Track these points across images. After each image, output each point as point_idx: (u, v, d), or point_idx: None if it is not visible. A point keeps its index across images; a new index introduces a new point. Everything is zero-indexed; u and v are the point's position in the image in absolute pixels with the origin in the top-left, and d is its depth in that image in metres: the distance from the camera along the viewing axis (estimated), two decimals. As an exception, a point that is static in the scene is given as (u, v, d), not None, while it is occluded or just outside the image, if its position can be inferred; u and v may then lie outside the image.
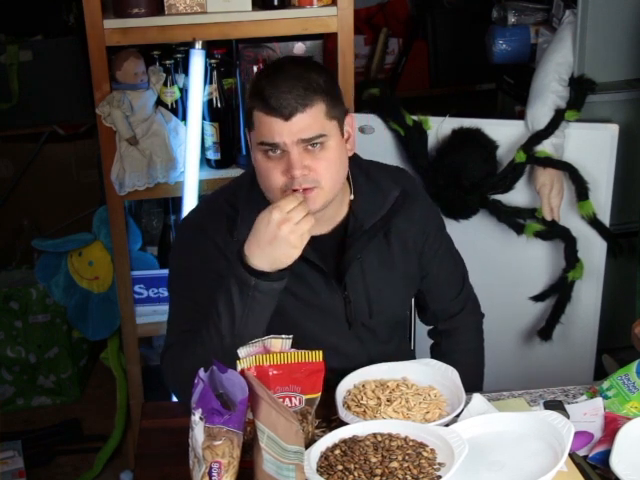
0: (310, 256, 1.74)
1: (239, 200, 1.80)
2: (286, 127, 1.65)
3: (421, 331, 2.16)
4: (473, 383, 1.92)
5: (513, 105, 3.25)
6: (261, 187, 1.75)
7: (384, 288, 1.87)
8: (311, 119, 1.66)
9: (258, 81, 1.71)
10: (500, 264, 2.74)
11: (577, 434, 1.57)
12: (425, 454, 1.49)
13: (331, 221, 1.82)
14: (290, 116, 1.65)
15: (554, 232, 2.62)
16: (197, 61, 2.56)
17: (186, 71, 2.65)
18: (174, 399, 2.13)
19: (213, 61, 2.64)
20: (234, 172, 2.65)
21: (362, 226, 1.81)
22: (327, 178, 1.70)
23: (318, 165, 1.68)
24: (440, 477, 1.44)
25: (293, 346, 1.54)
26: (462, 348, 2.04)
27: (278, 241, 1.59)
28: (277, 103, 1.64)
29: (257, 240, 1.61)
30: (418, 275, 1.94)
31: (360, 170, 1.86)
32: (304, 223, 1.60)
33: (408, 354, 2.05)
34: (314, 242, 1.68)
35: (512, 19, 3.14)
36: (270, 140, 1.67)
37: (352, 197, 1.82)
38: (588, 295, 2.68)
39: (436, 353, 2.05)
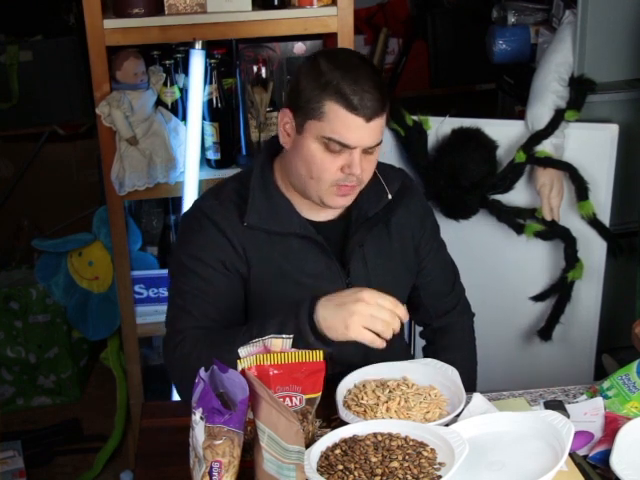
0: (317, 238, 1.79)
1: (247, 189, 1.81)
2: (365, 129, 1.68)
3: (421, 331, 2.17)
4: (466, 380, 1.91)
5: (513, 105, 3.25)
6: (302, 173, 1.75)
7: (385, 277, 1.89)
8: (382, 123, 1.72)
9: (327, 72, 1.68)
10: (500, 264, 2.74)
11: (577, 434, 1.57)
12: (425, 454, 1.49)
13: (337, 209, 1.85)
14: (371, 118, 1.67)
15: (554, 232, 2.62)
16: (197, 61, 2.56)
17: (186, 71, 2.65)
18: (174, 399, 2.13)
19: (213, 61, 2.64)
20: (234, 172, 2.63)
21: (366, 214, 1.85)
22: (368, 177, 1.78)
23: (368, 166, 1.75)
24: (440, 477, 1.44)
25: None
26: (456, 345, 2.06)
27: (343, 310, 1.57)
28: (361, 103, 1.66)
29: (335, 296, 1.61)
30: (415, 268, 1.98)
31: None
32: (378, 321, 1.57)
33: (403, 348, 2.07)
34: (320, 228, 1.69)
35: (512, 19, 3.15)
36: (343, 140, 1.68)
37: (390, 197, 1.87)
38: (588, 295, 2.68)
39: (430, 352, 2.07)
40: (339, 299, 1.60)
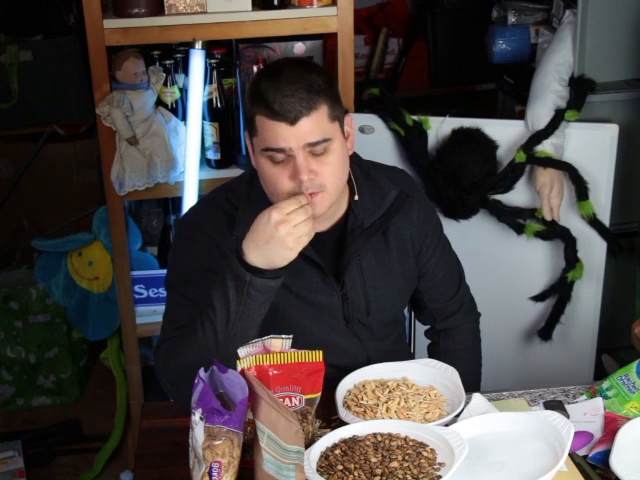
0: (309, 253, 1.75)
1: (238, 198, 1.80)
2: (292, 132, 1.65)
3: (420, 331, 2.16)
4: (471, 382, 1.92)
5: (513, 105, 3.25)
6: (266, 192, 1.75)
7: (382, 287, 1.87)
8: (316, 122, 1.66)
9: (257, 85, 1.69)
10: (500, 264, 2.74)
11: (577, 434, 1.57)
12: (425, 454, 1.49)
13: (331, 219, 1.82)
14: (295, 120, 1.64)
15: (554, 232, 2.62)
16: (197, 61, 2.56)
17: (186, 71, 2.65)
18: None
19: (213, 61, 2.64)
20: (234, 172, 2.65)
21: (362, 224, 1.81)
22: (332, 182, 1.71)
23: (324, 170, 1.69)
24: (440, 477, 1.44)
25: (292, 344, 1.54)
26: (460, 347, 2.05)
27: (275, 241, 1.59)
28: (281, 108, 1.64)
29: (254, 238, 1.61)
30: (415, 275, 1.95)
31: (360, 169, 1.86)
32: (303, 226, 1.60)
33: (405, 351, 2.06)
34: (313, 239, 1.68)
35: (512, 19, 3.14)
36: (275, 145, 1.66)
37: (357, 198, 1.82)
38: (588, 295, 2.68)
39: (434, 353, 2.06)
40: (261, 236, 1.60)
